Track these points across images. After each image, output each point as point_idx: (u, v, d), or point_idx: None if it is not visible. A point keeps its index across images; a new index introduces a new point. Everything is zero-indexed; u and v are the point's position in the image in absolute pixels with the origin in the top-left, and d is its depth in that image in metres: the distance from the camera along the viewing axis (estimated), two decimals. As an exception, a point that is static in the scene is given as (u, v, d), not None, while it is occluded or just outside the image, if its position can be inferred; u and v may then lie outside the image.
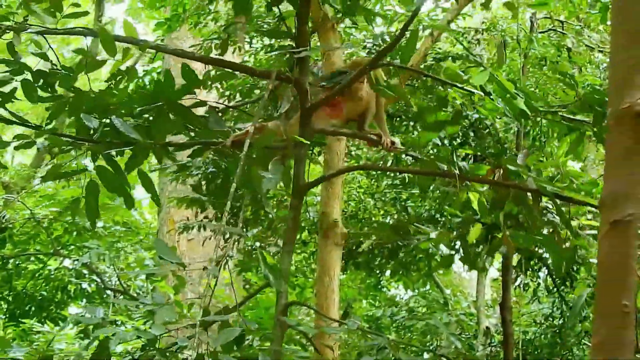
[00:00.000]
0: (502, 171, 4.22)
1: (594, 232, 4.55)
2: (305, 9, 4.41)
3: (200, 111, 4.64)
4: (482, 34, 10.29)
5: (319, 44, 8.13)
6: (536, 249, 6.20)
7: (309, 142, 4.43)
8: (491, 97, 4.27)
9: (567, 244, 4.31)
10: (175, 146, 4.35)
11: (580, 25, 12.24)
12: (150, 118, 4.18)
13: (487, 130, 8.61)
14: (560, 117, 4.32)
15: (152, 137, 4.27)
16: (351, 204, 8.74)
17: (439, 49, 9.20)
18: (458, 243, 5.20)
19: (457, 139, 8.37)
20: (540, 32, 11.34)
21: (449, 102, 4.35)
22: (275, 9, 4.57)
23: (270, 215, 8.07)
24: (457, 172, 4.18)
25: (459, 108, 4.27)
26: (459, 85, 4.39)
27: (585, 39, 11.67)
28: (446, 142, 8.52)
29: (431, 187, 6.32)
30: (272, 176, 4.32)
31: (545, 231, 4.41)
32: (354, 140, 8.54)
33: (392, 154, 7.30)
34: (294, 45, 4.51)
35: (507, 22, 11.14)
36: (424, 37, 9.82)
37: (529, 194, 4.26)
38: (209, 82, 7.27)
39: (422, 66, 9.07)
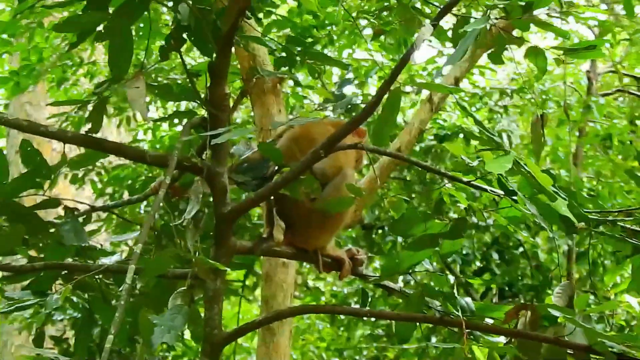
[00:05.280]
0: (530, 314, 4.26)
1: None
2: (224, 58, 4.53)
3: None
4: (511, 97, 10.50)
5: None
6: None
7: (226, 269, 4.46)
8: (514, 197, 4.35)
9: None
10: (8, 271, 4.37)
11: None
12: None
13: (521, 250, 8.70)
14: (621, 230, 4.41)
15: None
16: (307, 367, 8.70)
17: (444, 120, 9.40)
18: None
19: (473, 264, 8.47)
20: (604, 95, 11.61)
21: (445, 205, 4.43)
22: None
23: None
24: (459, 315, 4.21)
25: (463, 214, 4.35)
26: (463, 179, 4.48)
27: (680, 106, 11.88)
28: (457, 267, 8.62)
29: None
30: (170, 323, 4.32)
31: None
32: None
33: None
34: (206, 115, 4.61)
35: (552, 80, 11.37)
36: (419, 102, 10.07)
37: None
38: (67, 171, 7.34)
39: (417, 148, 9.27)
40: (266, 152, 4.57)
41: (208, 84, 4.57)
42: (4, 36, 9.06)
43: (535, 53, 4.28)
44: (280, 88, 8.45)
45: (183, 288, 4.45)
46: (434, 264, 8.69)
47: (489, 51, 4.67)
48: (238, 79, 8.67)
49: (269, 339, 7.71)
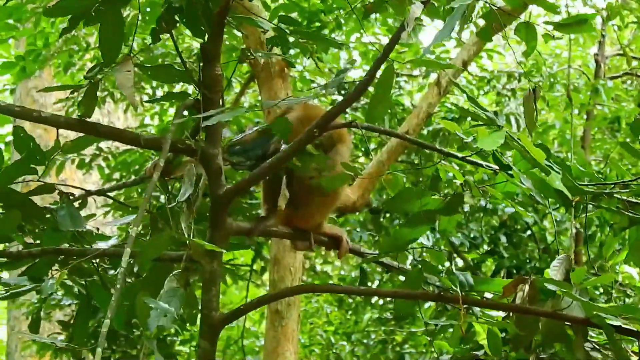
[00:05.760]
0: (528, 288, 4.23)
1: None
2: (216, 39, 4.49)
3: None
4: (519, 80, 10.46)
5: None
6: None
7: (223, 250, 4.44)
8: (509, 172, 4.31)
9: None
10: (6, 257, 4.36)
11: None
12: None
13: (528, 233, 8.66)
14: (617, 202, 4.37)
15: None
16: (315, 350, 8.68)
17: (452, 104, 9.35)
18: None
19: (481, 247, 8.42)
20: (611, 78, 11.55)
21: (441, 182, 4.39)
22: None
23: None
24: (458, 290, 4.19)
25: (459, 189, 4.32)
26: (458, 155, 4.44)
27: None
28: (464, 249, 8.57)
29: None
30: (165, 306, 4.30)
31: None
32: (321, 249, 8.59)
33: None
34: (200, 96, 4.58)
35: (559, 63, 11.32)
36: (426, 85, 10.02)
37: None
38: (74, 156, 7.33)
39: (425, 131, 9.23)
40: (276, 129, 4.50)
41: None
42: (10, 21, 9.01)
43: (525, 29, 4.20)
44: (287, 72, 8.42)
45: (178, 271, 4.44)
46: (442, 247, 8.71)
47: (498, 34, 4.61)
48: (234, 60, 8.63)
49: (277, 322, 7.73)
